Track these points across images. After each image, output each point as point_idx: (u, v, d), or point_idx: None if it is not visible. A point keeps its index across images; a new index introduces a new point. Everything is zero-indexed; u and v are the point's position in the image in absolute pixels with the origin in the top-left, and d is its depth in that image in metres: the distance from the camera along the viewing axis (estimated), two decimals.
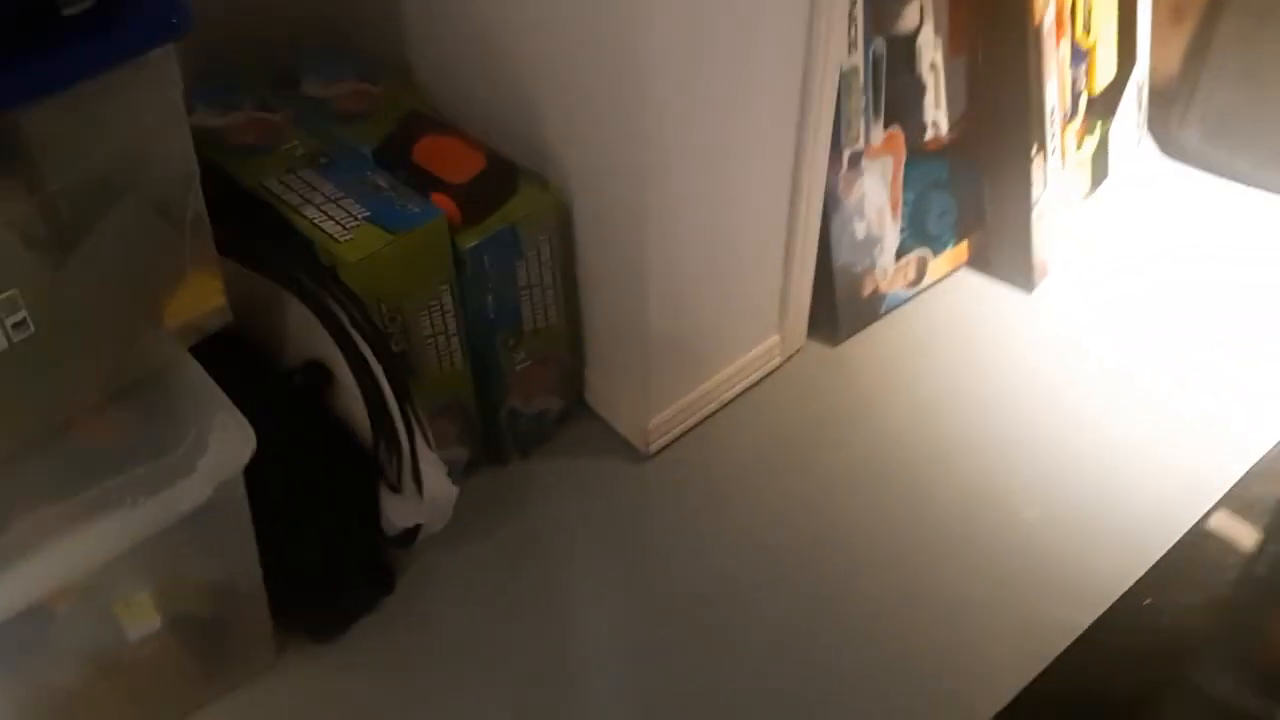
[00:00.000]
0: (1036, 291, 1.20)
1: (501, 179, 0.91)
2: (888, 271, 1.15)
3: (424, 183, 0.88)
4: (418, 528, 0.87)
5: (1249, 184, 1.32)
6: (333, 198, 0.86)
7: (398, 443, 0.83)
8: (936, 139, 1.14)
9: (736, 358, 1.08)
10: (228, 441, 0.72)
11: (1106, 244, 1.27)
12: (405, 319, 0.87)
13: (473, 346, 0.94)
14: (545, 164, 0.94)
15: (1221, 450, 1.04)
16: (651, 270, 0.92)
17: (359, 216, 0.84)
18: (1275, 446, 1.03)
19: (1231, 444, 1.04)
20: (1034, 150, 1.10)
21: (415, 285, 0.87)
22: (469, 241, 0.88)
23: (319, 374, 0.85)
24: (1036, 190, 1.13)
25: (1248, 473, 1.00)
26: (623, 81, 0.82)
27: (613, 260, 0.95)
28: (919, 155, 1.14)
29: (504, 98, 0.94)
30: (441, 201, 0.87)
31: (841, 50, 0.98)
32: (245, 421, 0.73)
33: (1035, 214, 1.14)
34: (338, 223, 0.84)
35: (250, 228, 0.87)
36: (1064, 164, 1.17)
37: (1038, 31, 1.05)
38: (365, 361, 0.82)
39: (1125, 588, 0.92)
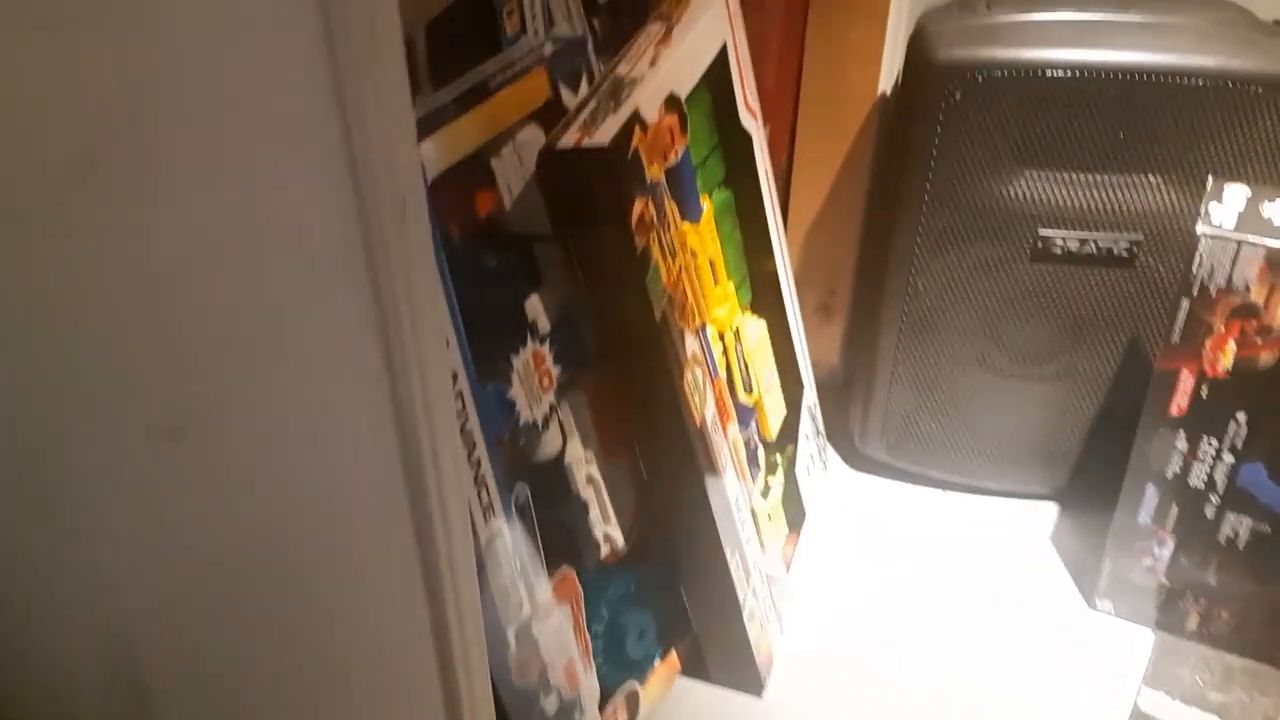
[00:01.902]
0: (766, 690, 1.01)
1: None
2: None
3: None
4: None
5: (944, 487, 1.23)
6: None
7: None
8: (614, 553, 0.94)
9: None
10: None
11: (822, 603, 1.11)
12: None
13: None
14: None
15: None
16: None
17: None
18: None
19: None
20: (729, 552, 0.93)
21: None
22: None
23: None
24: (742, 591, 0.95)
25: None
26: None
27: None
28: (600, 573, 0.93)
29: None
30: None
31: (469, 528, 0.75)
32: None
33: (746, 614, 0.96)
34: None
35: None
36: (762, 543, 1.01)
37: (701, 431, 0.88)
38: None
39: None
